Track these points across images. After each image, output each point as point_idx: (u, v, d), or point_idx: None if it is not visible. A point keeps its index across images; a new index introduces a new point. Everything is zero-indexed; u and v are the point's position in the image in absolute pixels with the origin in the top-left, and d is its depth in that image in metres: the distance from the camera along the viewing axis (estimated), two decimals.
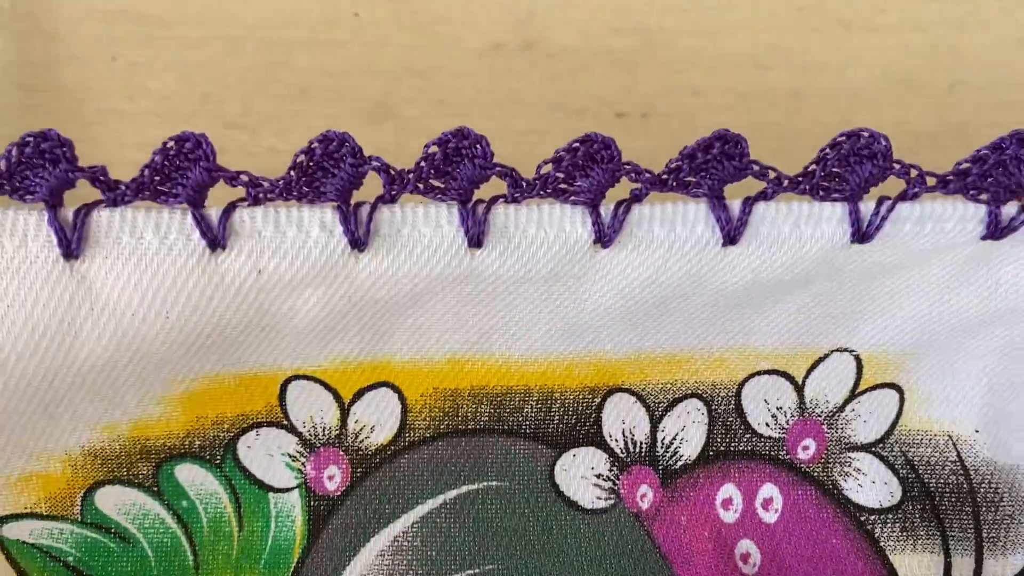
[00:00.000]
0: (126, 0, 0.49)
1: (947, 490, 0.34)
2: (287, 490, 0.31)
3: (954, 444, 0.34)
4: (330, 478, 0.32)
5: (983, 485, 0.34)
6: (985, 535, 0.34)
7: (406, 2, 0.51)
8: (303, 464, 0.31)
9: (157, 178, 0.26)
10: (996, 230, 0.29)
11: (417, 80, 0.51)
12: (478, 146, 0.26)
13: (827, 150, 0.27)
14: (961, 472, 0.34)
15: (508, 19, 0.51)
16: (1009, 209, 0.29)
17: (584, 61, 0.51)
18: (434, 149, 0.26)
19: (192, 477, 0.31)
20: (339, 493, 0.32)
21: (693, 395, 0.33)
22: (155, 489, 0.31)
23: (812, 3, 0.52)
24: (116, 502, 0.31)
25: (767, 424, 0.34)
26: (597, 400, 0.33)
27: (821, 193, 0.28)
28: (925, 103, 0.53)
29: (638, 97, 0.52)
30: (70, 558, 0.30)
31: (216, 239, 0.27)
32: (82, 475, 0.30)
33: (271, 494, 0.31)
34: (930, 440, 0.34)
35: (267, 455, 0.31)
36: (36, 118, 0.49)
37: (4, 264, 0.26)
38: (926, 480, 0.34)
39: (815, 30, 0.52)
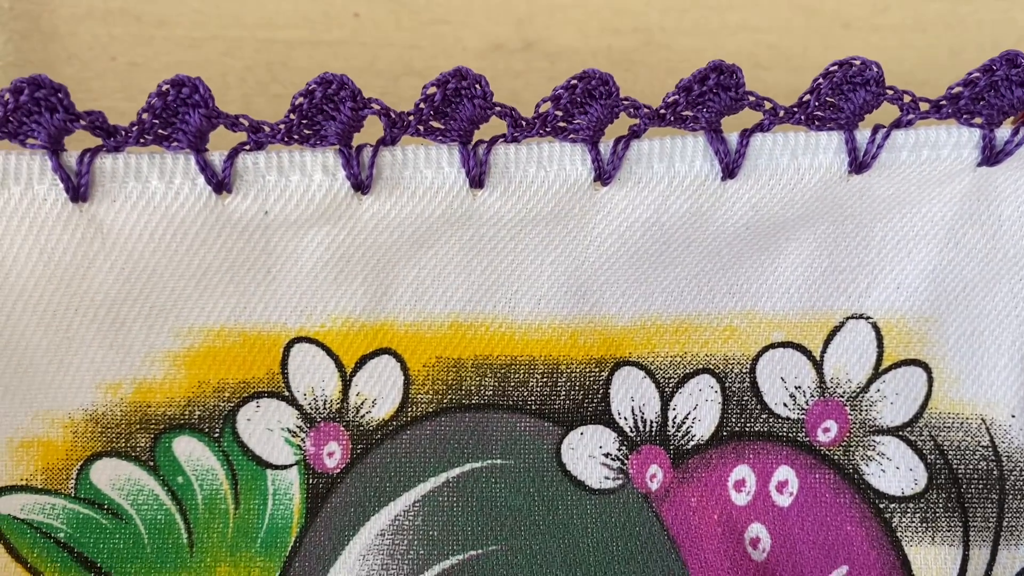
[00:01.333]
0: (126, 0, 0.49)
1: (975, 477, 0.33)
2: (286, 467, 0.30)
3: (988, 429, 0.32)
4: (330, 455, 0.31)
5: (1014, 472, 0.33)
6: (1005, 524, 0.33)
7: (406, 2, 0.51)
8: (303, 440, 0.31)
9: (156, 122, 0.26)
10: (992, 154, 0.29)
11: (417, 80, 0.51)
12: (477, 86, 0.26)
13: (820, 80, 0.28)
14: (992, 458, 0.33)
15: (508, 19, 0.51)
16: (1003, 132, 0.29)
17: (584, 61, 0.51)
18: (433, 90, 0.27)
19: (189, 452, 0.30)
20: (339, 470, 0.31)
21: (705, 370, 0.32)
22: (151, 464, 0.30)
23: (812, 3, 0.52)
24: (111, 476, 0.30)
25: (785, 404, 0.32)
26: (604, 374, 0.32)
27: (817, 123, 0.28)
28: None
29: (638, 97, 0.52)
30: (61, 534, 0.29)
31: (221, 183, 0.27)
32: (81, 444, 0.30)
33: (269, 471, 0.30)
34: (962, 424, 0.32)
35: (267, 430, 0.30)
36: None
37: (13, 206, 0.27)
38: (955, 466, 0.32)
39: (815, 30, 0.52)
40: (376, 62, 0.50)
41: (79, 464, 0.30)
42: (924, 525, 0.32)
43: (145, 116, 0.26)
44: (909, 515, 0.32)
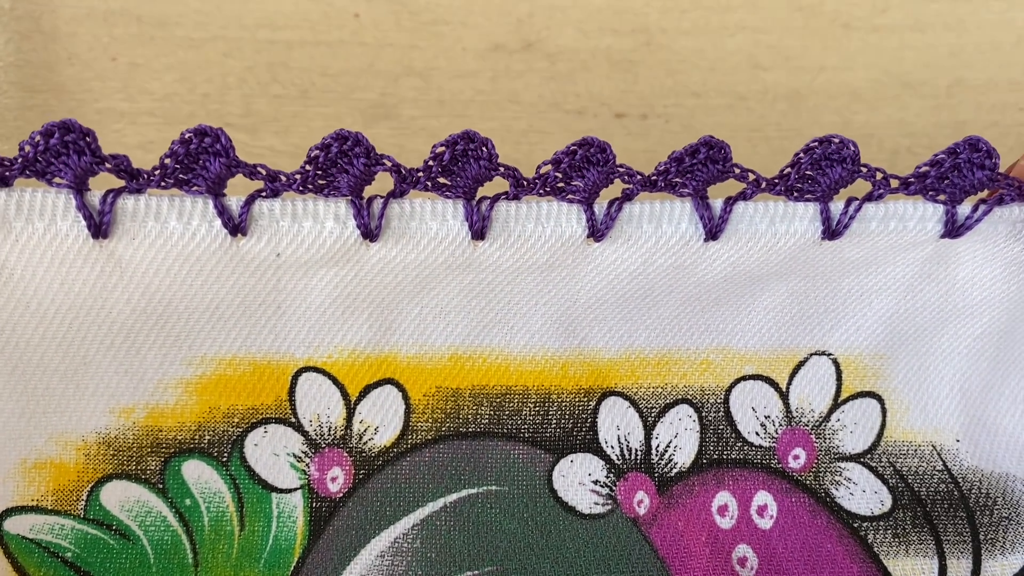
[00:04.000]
0: (126, 0, 0.49)
1: (938, 498, 0.35)
2: (290, 491, 0.32)
3: (939, 454, 0.35)
4: (333, 480, 0.32)
5: (973, 492, 0.35)
6: (983, 537, 0.34)
7: (406, 2, 0.51)
8: (307, 465, 0.32)
9: (178, 167, 0.27)
10: (953, 228, 0.32)
11: (417, 80, 0.51)
12: (483, 148, 0.28)
13: (800, 155, 0.30)
14: (949, 480, 0.35)
15: (508, 19, 0.51)
16: (964, 208, 0.32)
17: (584, 61, 0.52)
18: (442, 150, 0.28)
19: (198, 475, 0.31)
20: (341, 495, 0.32)
21: (684, 400, 0.34)
22: (160, 487, 0.31)
23: (812, 4, 0.52)
24: (120, 498, 0.31)
25: (757, 433, 0.34)
26: (592, 403, 0.33)
27: (795, 194, 0.31)
28: (924, 103, 0.53)
29: (637, 97, 0.52)
30: (68, 554, 0.31)
31: (237, 226, 0.29)
32: (93, 466, 0.31)
33: (274, 494, 0.32)
34: (916, 450, 0.35)
35: (273, 454, 0.32)
36: (36, 118, 0.49)
37: (36, 240, 0.28)
38: (916, 489, 0.35)
39: (815, 31, 0.52)
40: (376, 62, 0.50)
41: (90, 486, 0.31)
42: (896, 540, 0.34)
43: (168, 161, 0.27)
44: (881, 532, 0.34)
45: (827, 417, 0.35)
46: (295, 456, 0.32)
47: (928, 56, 0.53)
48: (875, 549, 0.34)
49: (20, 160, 0.27)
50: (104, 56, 0.49)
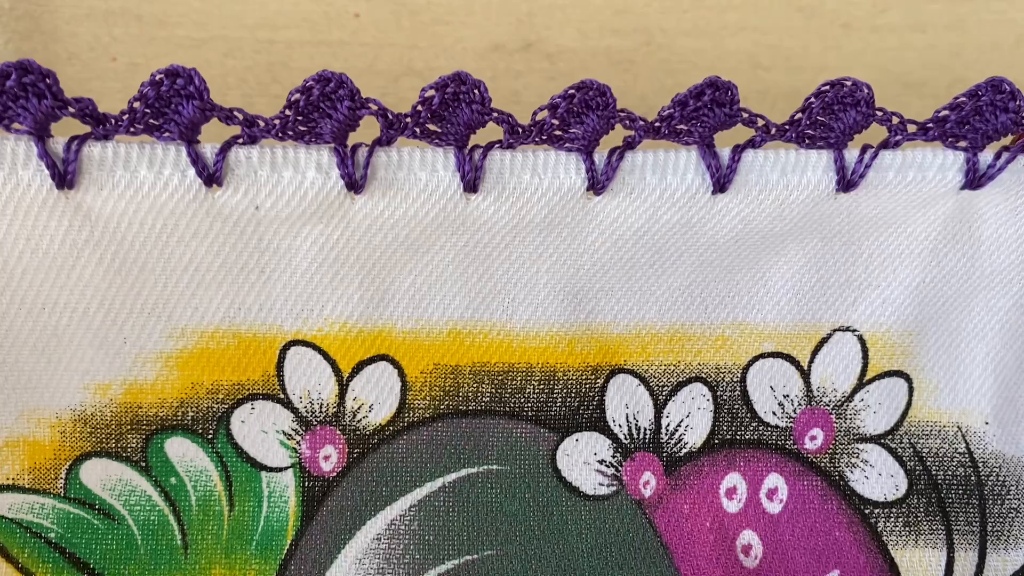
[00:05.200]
0: (126, 0, 0.49)
1: (954, 482, 0.33)
2: (281, 469, 0.31)
3: (964, 436, 0.33)
4: (326, 458, 0.31)
5: (991, 478, 0.34)
6: (990, 529, 0.33)
7: (406, 2, 0.51)
8: (298, 443, 0.31)
9: (148, 112, 0.25)
10: (974, 178, 0.30)
11: (417, 80, 0.51)
12: (475, 91, 0.26)
13: (812, 99, 0.28)
14: (969, 464, 0.33)
15: (508, 19, 0.51)
16: (986, 157, 0.30)
17: (584, 61, 0.51)
18: (431, 93, 0.26)
19: (182, 452, 0.30)
20: (335, 474, 0.31)
21: (697, 379, 0.32)
22: (143, 464, 0.30)
23: (812, 4, 0.52)
24: (101, 477, 0.30)
25: (774, 413, 0.33)
26: (600, 381, 0.32)
27: (807, 142, 0.29)
28: (925, 103, 0.53)
29: (637, 97, 0.52)
30: (52, 534, 0.29)
31: (212, 176, 0.27)
32: (70, 444, 0.30)
33: (264, 473, 0.30)
34: (940, 431, 0.33)
35: (261, 431, 0.30)
36: None
37: None
38: (933, 472, 0.33)
39: (815, 30, 0.52)
40: (376, 62, 0.50)
41: (68, 464, 0.30)
42: (907, 529, 0.33)
43: (137, 105, 0.25)
44: (892, 520, 0.33)
45: (850, 397, 0.33)
46: (285, 434, 0.31)
47: (928, 56, 0.53)
48: (884, 538, 0.33)
49: None
50: (104, 56, 0.49)
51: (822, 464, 0.33)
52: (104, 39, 0.49)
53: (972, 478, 0.33)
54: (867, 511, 0.33)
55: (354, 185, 0.27)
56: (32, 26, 0.49)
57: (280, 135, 0.26)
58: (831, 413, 0.33)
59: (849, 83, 0.28)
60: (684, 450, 0.32)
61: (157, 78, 0.25)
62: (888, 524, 0.33)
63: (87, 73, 0.49)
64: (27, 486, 0.29)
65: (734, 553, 0.32)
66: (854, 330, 0.33)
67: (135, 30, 0.49)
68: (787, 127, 0.28)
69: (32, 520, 0.29)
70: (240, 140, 0.27)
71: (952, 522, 0.33)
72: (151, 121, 0.26)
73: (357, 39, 0.50)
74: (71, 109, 0.25)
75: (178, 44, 0.50)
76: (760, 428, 0.33)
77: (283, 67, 0.50)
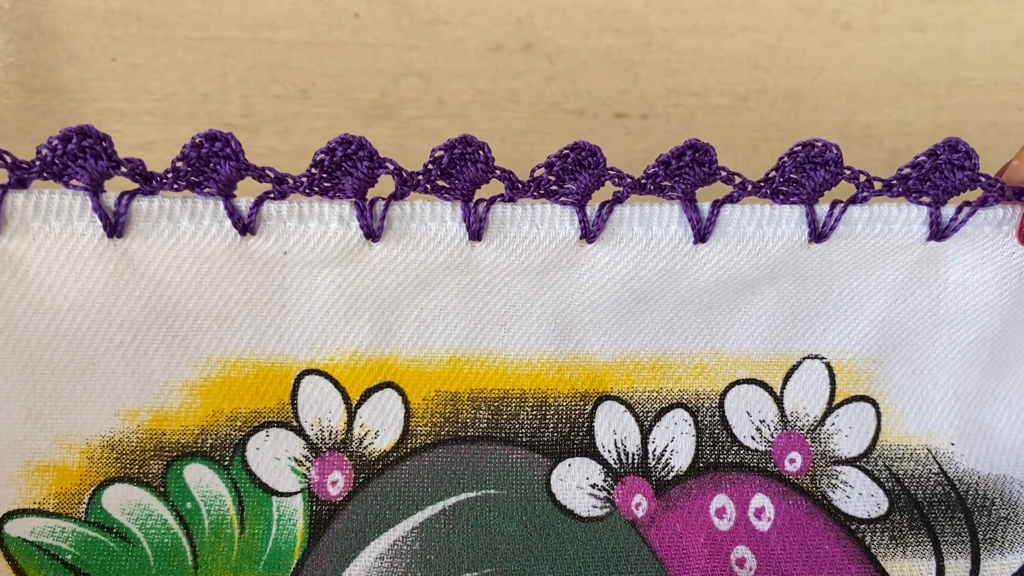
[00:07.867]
0: (126, 0, 0.49)
1: (935, 500, 0.35)
2: (291, 494, 0.32)
3: (934, 457, 0.35)
4: (333, 483, 0.32)
5: (970, 493, 0.35)
6: (982, 536, 0.35)
7: (406, 2, 0.51)
8: (308, 469, 0.32)
9: (189, 170, 0.28)
10: (938, 230, 0.32)
11: (417, 80, 0.51)
12: (480, 152, 0.29)
13: (785, 158, 0.30)
14: (946, 483, 0.35)
15: (508, 19, 0.51)
16: (948, 211, 0.32)
17: (584, 61, 0.52)
18: (440, 154, 0.29)
19: (199, 478, 0.32)
20: (341, 498, 0.32)
21: (679, 405, 0.34)
22: (162, 490, 0.31)
23: (812, 4, 0.52)
24: (122, 501, 0.31)
25: (752, 437, 0.35)
26: (588, 408, 0.33)
27: (781, 197, 0.31)
28: (924, 103, 0.53)
29: (638, 97, 0.52)
30: (69, 556, 0.31)
31: (247, 226, 0.29)
32: (96, 470, 0.31)
33: (275, 498, 0.32)
34: (911, 454, 0.35)
35: (274, 458, 0.32)
36: (36, 118, 0.49)
37: (52, 239, 0.29)
38: (912, 492, 0.35)
39: (815, 31, 0.52)
40: (376, 62, 0.50)
41: (92, 489, 0.31)
42: (893, 542, 0.35)
43: (179, 164, 0.28)
44: (879, 534, 0.35)
45: (822, 421, 0.35)
46: (296, 460, 0.32)
47: (928, 56, 0.53)
48: (873, 551, 0.34)
49: (38, 163, 0.28)
50: (104, 56, 0.49)
51: (804, 485, 0.35)
52: (104, 39, 0.49)
53: (952, 495, 0.35)
54: (853, 527, 0.34)
55: (372, 234, 0.30)
56: (32, 26, 0.49)
57: (307, 191, 0.29)
58: (806, 437, 0.35)
59: (819, 144, 0.30)
60: (672, 474, 0.34)
61: (197, 141, 0.28)
62: (875, 538, 0.34)
63: (87, 73, 0.49)
64: (51, 511, 0.31)
65: (729, 565, 0.34)
66: (822, 358, 0.35)
67: (135, 30, 0.49)
68: (762, 184, 0.31)
69: (51, 543, 0.31)
70: (271, 195, 0.30)
71: (938, 534, 0.35)
72: (192, 179, 0.29)
73: (357, 39, 0.50)
74: (123, 169, 0.28)
75: (178, 44, 0.50)
76: (741, 452, 0.35)
77: (283, 67, 0.50)
